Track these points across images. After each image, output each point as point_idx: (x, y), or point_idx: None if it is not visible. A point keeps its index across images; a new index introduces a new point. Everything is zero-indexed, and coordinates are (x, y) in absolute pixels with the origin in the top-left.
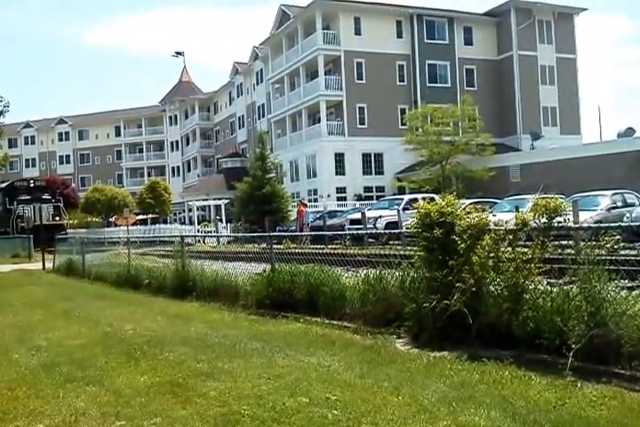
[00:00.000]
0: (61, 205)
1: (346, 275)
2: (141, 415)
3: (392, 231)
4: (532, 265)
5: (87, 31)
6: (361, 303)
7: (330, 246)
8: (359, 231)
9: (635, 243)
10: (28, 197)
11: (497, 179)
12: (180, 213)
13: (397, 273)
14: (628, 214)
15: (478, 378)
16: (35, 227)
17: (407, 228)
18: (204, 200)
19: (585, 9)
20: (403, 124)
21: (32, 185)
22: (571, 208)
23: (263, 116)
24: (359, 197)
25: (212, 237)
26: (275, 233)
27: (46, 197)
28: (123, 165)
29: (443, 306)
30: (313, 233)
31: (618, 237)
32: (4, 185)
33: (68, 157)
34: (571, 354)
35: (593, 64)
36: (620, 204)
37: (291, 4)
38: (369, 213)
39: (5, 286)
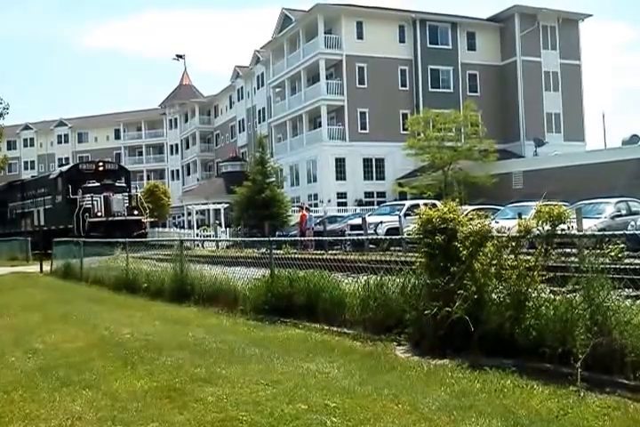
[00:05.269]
0: (139, 194)
1: (346, 281)
2: (138, 420)
3: (393, 237)
4: (535, 273)
5: (87, 33)
6: (361, 310)
7: (330, 252)
8: (360, 237)
9: (639, 251)
10: (96, 185)
11: (500, 185)
12: (178, 217)
13: (398, 279)
14: (632, 222)
15: (479, 387)
16: (106, 223)
17: (408, 234)
18: (203, 204)
19: (590, 15)
20: (404, 130)
21: (101, 168)
22: (574, 216)
23: (264, 120)
24: (360, 203)
25: (211, 241)
26: (274, 238)
27: (120, 184)
28: None
29: (444, 313)
30: (313, 238)
31: (622, 245)
32: (65, 168)
33: (67, 159)
34: (578, 364)
35: (595, 70)
36: (624, 212)
37: (293, 8)
38: (370, 219)
39: (2, 289)
